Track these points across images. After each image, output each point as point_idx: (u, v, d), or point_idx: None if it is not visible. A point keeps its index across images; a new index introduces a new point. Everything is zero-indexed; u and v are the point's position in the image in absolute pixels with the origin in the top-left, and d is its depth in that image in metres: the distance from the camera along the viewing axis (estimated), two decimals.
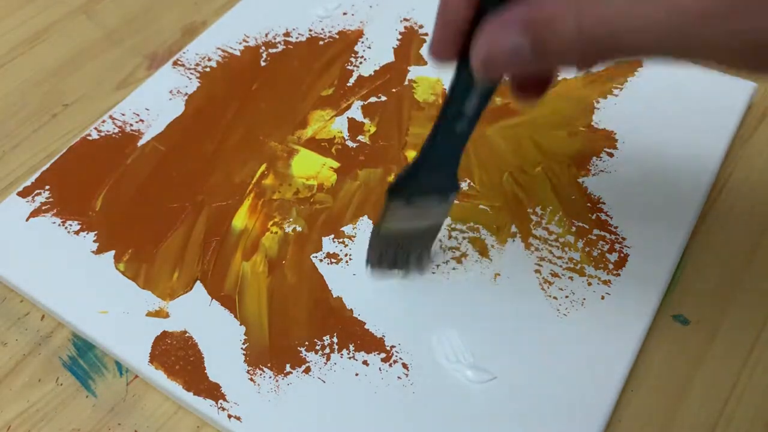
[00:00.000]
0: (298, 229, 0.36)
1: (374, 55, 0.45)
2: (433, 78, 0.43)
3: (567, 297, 0.33)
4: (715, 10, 0.19)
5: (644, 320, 0.32)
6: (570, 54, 0.21)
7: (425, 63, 0.44)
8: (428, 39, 0.25)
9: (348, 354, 0.32)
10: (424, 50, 0.44)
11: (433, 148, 0.28)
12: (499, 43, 0.22)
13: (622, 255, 0.34)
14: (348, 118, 0.41)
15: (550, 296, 0.33)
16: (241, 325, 0.33)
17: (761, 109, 0.41)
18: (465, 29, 0.24)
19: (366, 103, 0.42)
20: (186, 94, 0.43)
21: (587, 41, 0.20)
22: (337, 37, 0.46)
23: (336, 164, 0.39)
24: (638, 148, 0.38)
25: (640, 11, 0.19)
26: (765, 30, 0.19)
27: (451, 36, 0.24)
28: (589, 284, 0.34)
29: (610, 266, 0.34)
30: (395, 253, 0.33)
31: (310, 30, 0.46)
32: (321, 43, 0.46)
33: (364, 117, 0.41)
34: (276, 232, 0.36)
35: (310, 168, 0.39)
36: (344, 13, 0.47)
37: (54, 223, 0.37)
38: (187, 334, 0.33)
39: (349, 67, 0.44)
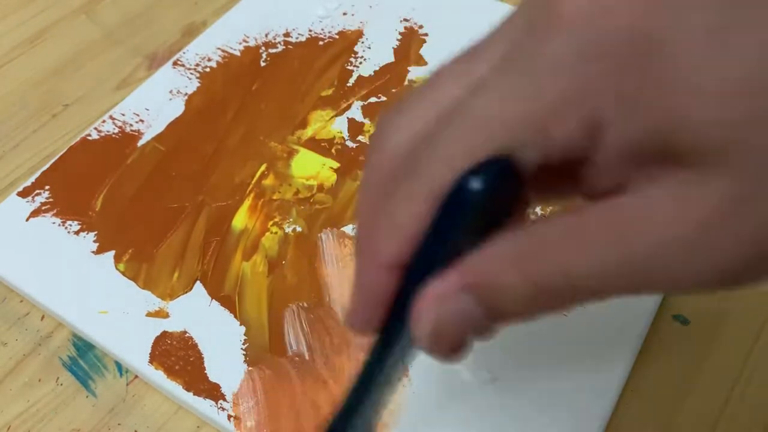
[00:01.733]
0: (298, 229, 0.36)
1: (374, 55, 0.45)
2: None
3: None
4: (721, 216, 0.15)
5: (644, 320, 0.32)
6: (522, 311, 0.18)
7: (425, 63, 0.44)
8: (345, 318, 0.22)
9: (348, 354, 0.32)
10: (424, 51, 0.44)
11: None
12: (446, 312, 0.18)
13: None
14: (348, 118, 0.41)
15: None
16: (241, 325, 0.33)
17: None
18: (389, 303, 0.20)
19: (366, 103, 0.42)
20: (186, 94, 0.43)
21: (541, 293, 0.17)
22: (337, 37, 0.46)
23: (336, 164, 0.39)
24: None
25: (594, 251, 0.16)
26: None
27: (375, 313, 0.20)
28: None
29: None
30: None
31: (310, 30, 0.46)
32: (321, 43, 0.46)
33: (364, 117, 0.41)
34: (276, 232, 0.36)
35: (310, 168, 0.39)
36: (344, 14, 0.47)
37: (54, 223, 0.37)
38: (187, 334, 0.33)
39: (349, 68, 0.44)
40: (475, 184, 0.17)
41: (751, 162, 0.15)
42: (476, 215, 0.17)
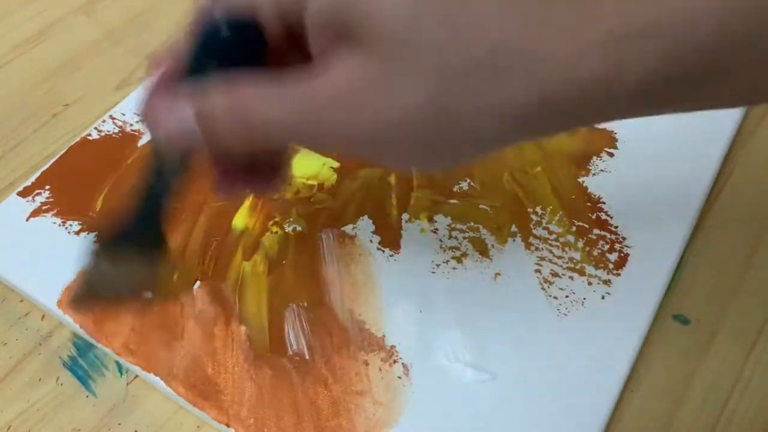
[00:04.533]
0: (299, 228, 0.36)
1: None
2: None
3: (567, 297, 0.33)
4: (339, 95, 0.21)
5: (644, 320, 0.32)
6: (227, 136, 0.23)
7: None
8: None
9: (348, 354, 0.32)
10: None
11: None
12: (173, 123, 0.23)
13: (622, 255, 0.34)
14: None
15: (550, 296, 0.33)
16: (241, 325, 0.33)
17: (761, 109, 0.41)
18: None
19: None
20: None
21: (241, 128, 0.22)
22: None
23: (336, 164, 0.39)
24: (638, 148, 0.38)
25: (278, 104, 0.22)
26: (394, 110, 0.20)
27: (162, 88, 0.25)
28: (590, 284, 0.34)
29: (611, 266, 0.34)
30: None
31: None
32: None
33: None
34: (276, 232, 0.36)
35: (310, 168, 0.39)
36: None
37: (54, 223, 0.37)
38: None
39: None
40: (225, 28, 0.23)
41: (387, 46, 0.20)
42: (223, 49, 0.23)
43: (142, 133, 0.41)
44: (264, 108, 0.22)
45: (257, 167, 0.27)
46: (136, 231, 0.27)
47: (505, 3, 0.19)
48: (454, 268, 0.34)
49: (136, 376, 0.32)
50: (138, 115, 0.26)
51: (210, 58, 0.24)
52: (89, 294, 0.29)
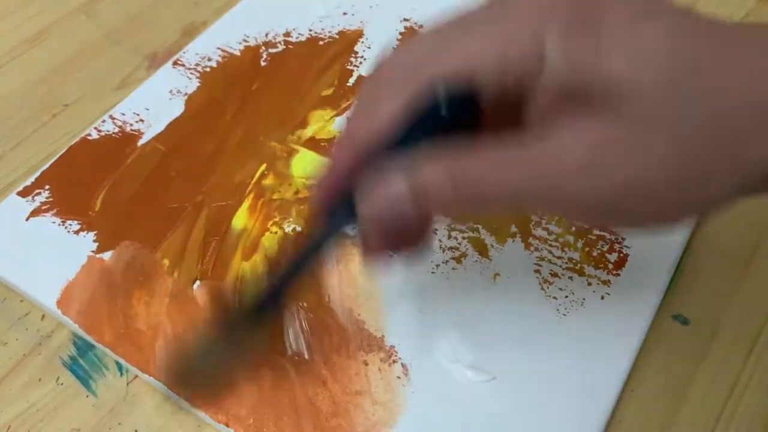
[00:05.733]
0: (298, 229, 0.36)
1: (374, 55, 0.45)
2: None
3: (567, 297, 0.33)
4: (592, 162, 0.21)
5: (644, 320, 0.32)
6: (445, 206, 0.23)
7: None
8: (311, 186, 0.26)
9: (347, 354, 0.32)
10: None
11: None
12: (385, 200, 0.23)
13: (621, 255, 0.34)
14: (348, 118, 0.41)
15: (549, 296, 0.33)
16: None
17: None
18: (346, 181, 0.24)
19: None
20: (186, 94, 0.43)
21: (461, 196, 0.22)
22: (337, 37, 0.46)
23: None
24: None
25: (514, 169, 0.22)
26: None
27: (335, 185, 0.25)
28: (589, 284, 0.34)
29: (610, 266, 0.34)
30: None
31: (310, 30, 0.46)
32: (321, 43, 0.46)
33: None
34: (276, 232, 0.36)
35: (310, 168, 0.39)
36: (344, 13, 0.47)
37: (54, 223, 0.37)
38: None
39: (349, 67, 0.44)
40: (444, 102, 0.22)
41: (633, 113, 0.20)
42: (439, 122, 0.22)
43: (142, 133, 0.41)
44: (493, 174, 0.22)
45: (404, 234, 0.26)
46: (268, 303, 0.27)
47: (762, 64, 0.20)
48: (453, 269, 0.34)
49: (136, 376, 0.32)
50: (314, 197, 0.26)
51: (422, 132, 0.23)
52: (195, 374, 0.29)
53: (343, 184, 0.25)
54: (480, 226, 0.36)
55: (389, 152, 0.23)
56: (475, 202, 0.22)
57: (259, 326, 0.27)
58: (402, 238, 0.26)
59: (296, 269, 0.26)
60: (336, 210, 0.25)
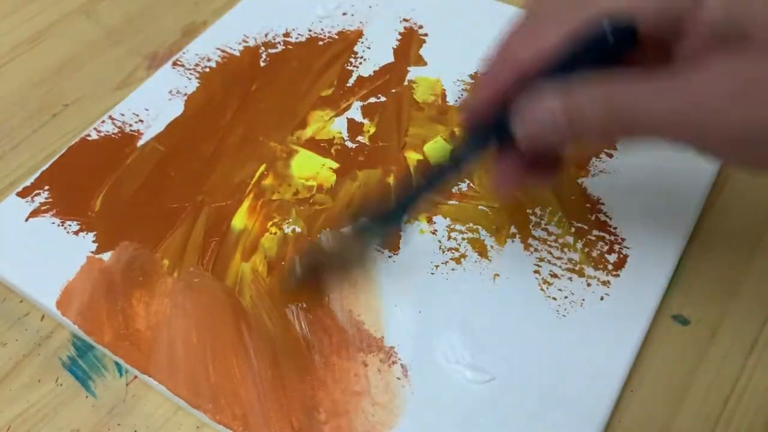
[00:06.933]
0: (298, 229, 0.36)
1: (374, 55, 0.45)
2: (433, 78, 0.43)
3: (566, 297, 0.33)
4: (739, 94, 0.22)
5: (644, 320, 0.32)
6: (596, 132, 0.24)
7: (425, 63, 0.44)
8: (464, 101, 0.28)
9: (347, 355, 0.32)
10: (424, 51, 0.44)
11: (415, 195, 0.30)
12: (541, 118, 0.25)
13: (621, 256, 0.34)
14: (347, 118, 0.41)
15: (549, 297, 0.33)
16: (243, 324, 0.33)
17: None
18: (503, 98, 0.26)
19: (365, 103, 0.42)
20: (185, 94, 0.43)
21: (615, 122, 0.24)
22: (337, 37, 0.46)
23: (335, 165, 0.39)
24: (638, 149, 0.38)
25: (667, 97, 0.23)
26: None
27: (491, 100, 0.27)
28: (589, 285, 0.33)
29: (610, 267, 0.34)
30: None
31: (310, 30, 0.46)
32: (321, 43, 0.46)
33: (364, 117, 0.41)
34: (275, 233, 0.36)
35: (309, 168, 0.39)
36: (344, 14, 0.47)
37: (53, 223, 0.37)
38: None
39: (348, 68, 0.44)
40: (610, 32, 0.24)
41: None
42: (602, 58, 0.24)
43: (142, 133, 0.41)
44: (644, 100, 0.23)
45: (538, 160, 0.28)
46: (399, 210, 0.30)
47: None
48: (453, 269, 0.34)
49: (136, 376, 0.32)
50: (465, 111, 0.28)
51: (580, 61, 0.25)
52: (313, 270, 0.32)
53: (497, 101, 0.26)
54: (480, 227, 0.36)
55: (547, 76, 0.25)
56: (624, 127, 0.23)
57: (386, 236, 0.31)
58: (546, 161, 0.28)
59: (431, 184, 0.29)
60: (481, 127, 0.27)
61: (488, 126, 0.27)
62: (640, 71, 0.23)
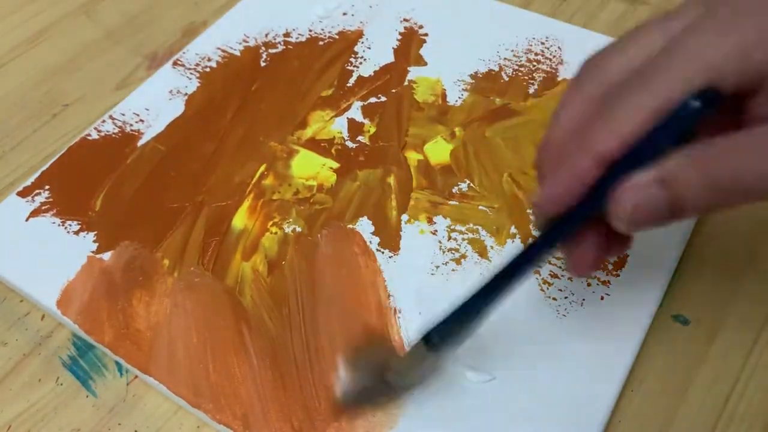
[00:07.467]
0: (298, 229, 0.36)
1: (374, 55, 0.45)
2: (433, 78, 0.43)
3: (566, 298, 0.33)
4: None
5: (644, 320, 0.32)
6: (700, 204, 0.23)
7: (425, 63, 0.44)
8: (540, 193, 0.26)
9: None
10: (424, 51, 0.44)
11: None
12: (642, 201, 0.24)
13: (621, 256, 0.34)
14: (348, 118, 0.41)
15: (549, 297, 0.33)
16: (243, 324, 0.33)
17: None
18: (586, 190, 0.25)
19: (366, 103, 0.42)
20: (186, 94, 0.43)
21: (717, 190, 0.23)
22: (337, 37, 0.46)
23: (336, 165, 0.39)
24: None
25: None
26: None
27: (572, 193, 0.25)
28: (589, 285, 0.34)
29: (610, 267, 0.34)
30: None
31: (310, 30, 0.46)
32: (321, 43, 0.46)
33: (364, 117, 0.41)
34: (275, 233, 0.36)
35: (309, 168, 0.39)
36: (344, 14, 0.47)
37: (54, 223, 0.37)
38: None
39: (348, 68, 0.44)
40: (696, 105, 0.23)
41: None
42: (686, 130, 0.23)
43: (142, 133, 0.41)
44: (740, 158, 0.22)
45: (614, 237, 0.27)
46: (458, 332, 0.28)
47: None
48: (453, 270, 0.34)
49: (136, 376, 0.32)
50: (544, 207, 0.26)
51: (668, 137, 0.23)
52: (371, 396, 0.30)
53: (580, 192, 0.25)
54: (480, 227, 0.36)
55: (633, 159, 0.24)
56: (726, 192, 0.23)
57: (440, 359, 0.28)
58: (621, 237, 0.27)
59: (501, 289, 0.27)
60: (560, 218, 0.26)
61: (568, 216, 0.26)
62: (729, 137, 0.22)
